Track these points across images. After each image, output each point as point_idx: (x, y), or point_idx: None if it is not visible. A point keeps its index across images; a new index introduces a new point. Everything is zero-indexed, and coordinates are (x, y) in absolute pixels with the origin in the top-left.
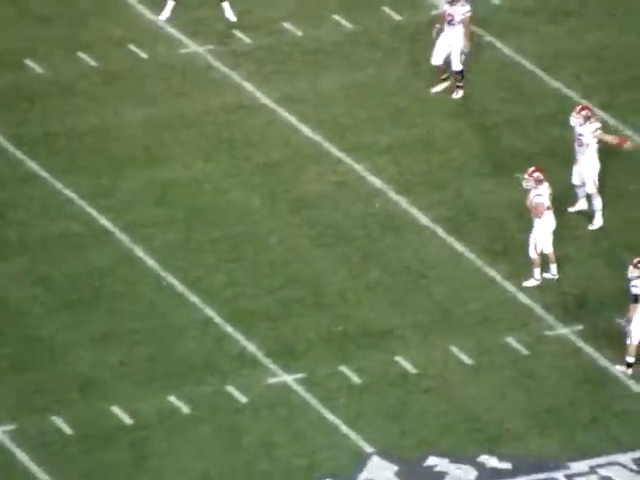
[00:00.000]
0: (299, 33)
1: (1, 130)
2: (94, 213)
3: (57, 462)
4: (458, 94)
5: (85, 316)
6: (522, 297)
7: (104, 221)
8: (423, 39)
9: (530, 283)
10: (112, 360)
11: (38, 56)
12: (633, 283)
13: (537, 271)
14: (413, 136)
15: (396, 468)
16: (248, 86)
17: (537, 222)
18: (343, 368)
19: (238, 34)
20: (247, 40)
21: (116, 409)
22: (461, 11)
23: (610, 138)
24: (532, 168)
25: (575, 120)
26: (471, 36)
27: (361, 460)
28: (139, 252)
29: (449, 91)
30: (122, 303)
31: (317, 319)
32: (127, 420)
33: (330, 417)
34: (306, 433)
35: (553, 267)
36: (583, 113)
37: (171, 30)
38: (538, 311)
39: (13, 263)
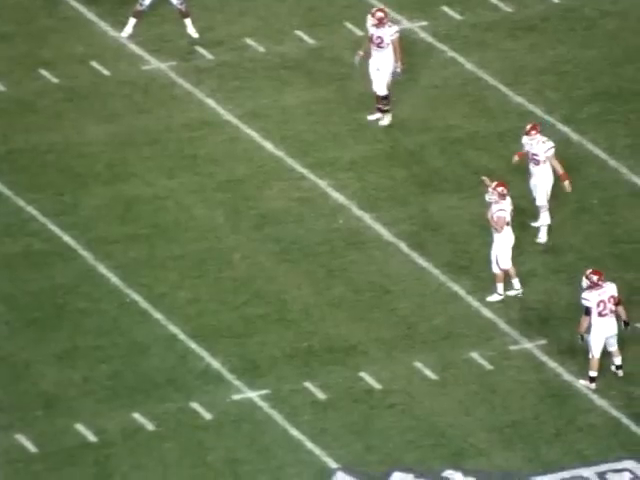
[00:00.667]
0: (261, 49)
1: None
2: (57, 230)
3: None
4: (385, 120)
5: (49, 333)
6: (486, 312)
7: (67, 238)
8: None
9: (494, 298)
10: (76, 377)
11: None
12: (584, 295)
13: (500, 286)
14: (376, 152)
15: None
16: (211, 102)
17: (496, 237)
18: (307, 384)
19: (201, 50)
20: (210, 56)
21: (80, 427)
22: (389, 32)
23: (558, 167)
24: (496, 182)
25: (528, 140)
26: (402, 56)
27: (326, 476)
28: (102, 269)
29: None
30: (86, 320)
31: (281, 335)
32: (91, 437)
33: (295, 433)
34: (271, 449)
35: (515, 282)
36: (533, 133)
37: (133, 47)
38: (502, 326)
39: None
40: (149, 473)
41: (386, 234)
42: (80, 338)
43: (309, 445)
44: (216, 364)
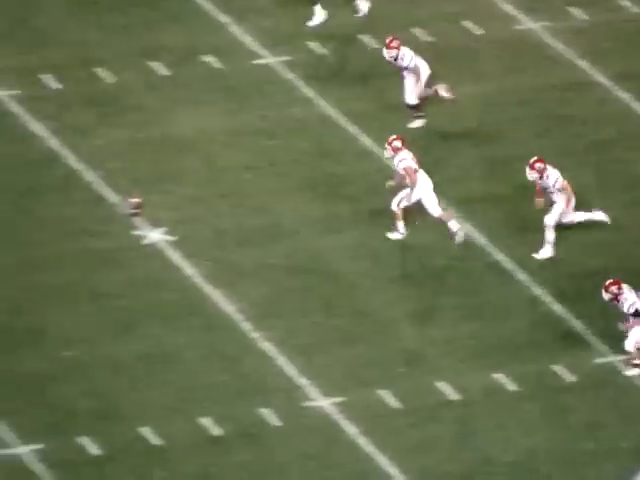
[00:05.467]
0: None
1: (333, 105)
2: None
3: (383, 434)
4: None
5: (410, 291)
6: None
7: None
8: None
9: (394, 236)
10: (437, 336)
11: None
12: (625, 307)
13: (401, 224)
14: None
15: None
16: (582, 64)
17: (414, 189)
18: None
19: (572, 10)
20: (584, 17)
21: (442, 384)
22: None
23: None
24: (392, 136)
25: (531, 175)
26: None
27: None
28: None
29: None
30: (450, 278)
31: None
32: (453, 395)
33: None
34: (635, 414)
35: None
36: (537, 166)
37: (507, 6)
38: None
39: (347, 236)
40: (510, 432)
41: None
42: (441, 298)
43: None
44: (579, 326)
